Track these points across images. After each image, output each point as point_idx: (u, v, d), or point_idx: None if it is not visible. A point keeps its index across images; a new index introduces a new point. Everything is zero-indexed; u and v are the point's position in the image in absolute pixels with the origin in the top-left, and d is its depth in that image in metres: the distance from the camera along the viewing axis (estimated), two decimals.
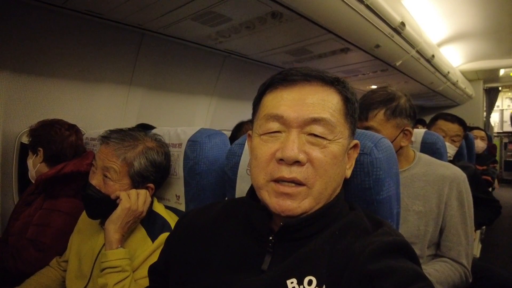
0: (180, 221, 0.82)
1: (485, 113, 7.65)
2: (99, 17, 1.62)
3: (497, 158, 6.58)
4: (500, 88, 7.71)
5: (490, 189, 3.78)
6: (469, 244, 1.24)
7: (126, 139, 1.09)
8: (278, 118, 0.62)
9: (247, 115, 3.17)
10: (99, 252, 1.06)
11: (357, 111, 0.71)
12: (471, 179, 2.01)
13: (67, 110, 1.79)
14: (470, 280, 1.23)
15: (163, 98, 2.24)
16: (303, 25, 1.82)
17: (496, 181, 4.02)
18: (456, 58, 5.39)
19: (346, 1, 1.70)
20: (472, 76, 6.35)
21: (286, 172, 0.59)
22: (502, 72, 6.11)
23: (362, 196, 0.77)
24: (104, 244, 1.02)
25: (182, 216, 0.83)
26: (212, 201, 1.16)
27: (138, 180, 1.08)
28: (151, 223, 1.08)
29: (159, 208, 1.13)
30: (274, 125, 0.63)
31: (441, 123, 2.02)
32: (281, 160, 0.60)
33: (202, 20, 1.68)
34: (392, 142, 1.28)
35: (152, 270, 0.82)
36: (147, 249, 1.01)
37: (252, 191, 0.70)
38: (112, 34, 1.78)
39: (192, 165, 1.13)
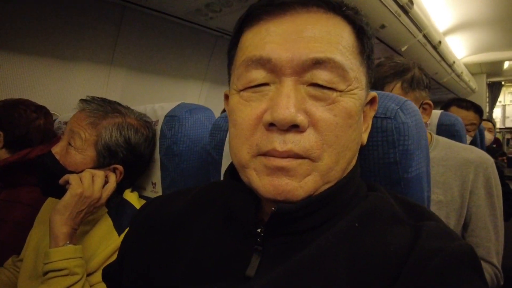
0: (141, 211, 0.61)
1: (487, 108, 7.50)
2: None
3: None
4: (503, 83, 7.55)
5: None
6: (499, 240, 1.06)
7: (105, 107, 0.91)
8: (264, 62, 0.42)
9: None
10: None
11: (373, 45, 0.50)
12: None
13: (37, 90, 1.59)
14: (502, 282, 1.04)
15: (149, 81, 2.04)
16: None
17: None
18: (460, 49, 5.23)
19: None
20: (475, 69, 6.20)
21: (279, 142, 0.40)
22: (506, 64, 5.97)
23: (386, 173, 0.57)
24: None
25: (144, 205, 0.62)
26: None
27: (104, 155, 0.88)
28: (119, 213, 0.89)
29: (131, 196, 0.94)
30: (259, 74, 0.42)
31: (455, 110, 1.83)
32: (271, 125, 0.40)
33: None
34: None
35: (106, 274, 0.62)
36: (110, 244, 0.81)
37: (232, 169, 0.50)
38: (90, 7, 1.58)
39: (169, 145, 0.94)
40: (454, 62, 3.87)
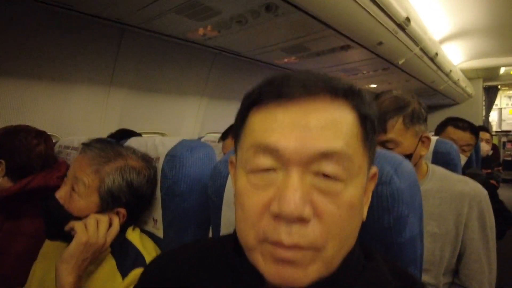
0: (148, 272, 0.63)
1: (484, 112, 7.55)
2: (70, 9, 1.43)
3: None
4: (499, 87, 7.60)
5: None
6: (492, 272, 1.09)
7: (106, 151, 0.92)
8: (271, 150, 0.43)
9: None
10: None
11: (375, 128, 0.52)
12: (483, 187, 1.88)
13: (38, 113, 1.60)
14: None
15: (148, 99, 2.06)
16: (300, 19, 1.65)
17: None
18: (457, 56, 5.26)
19: None
20: (472, 75, 6.23)
21: (285, 234, 0.41)
22: (502, 70, 6.01)
23: (380, 237, 0.60)
24: None
25: (151, 266, 0.64)
26: (194, 228, 1.00)
27: (107, 200, 0.89)
28: (123, 253, 0.90)
29: (133, 236, 0.95)
30: (266, 160, 0.44)
31: (451, 131, 1.84)
32: (278, 216, 0.42)
33: (187, 13, 1.50)
34: (413, 153, 1.12)
35: None
36: (115, 287, 0.83)
37: (236, 239, 0.51)
38: (89, 29, 1.60)
39: (170, 185, 0.96)
40: (450, 70, 3.91)
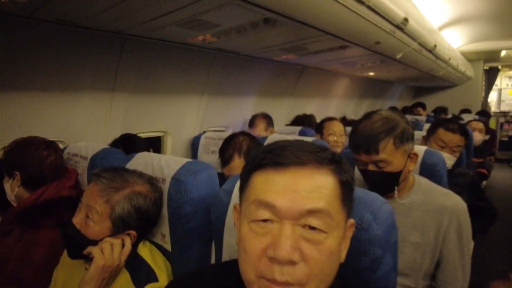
0: None
1: (483, 93, 7.56)
2: (75, 25, 1.47)
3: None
4: (499, 68, 7.56)
5: (484, 182, 3.78)
6: (465, 278, 1.21)
7: (115, 180, 1.02)
8: (270, 207, 0.56)
9: (240, 111, 3.06)
10: None
11: (353, 190, 0.65)
12: (469, 186, 1.98)
13: (47, 122, 1.67)
14: None
15: (150, 100, 2.11)
16: (298, 27, 1.69)
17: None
18: (457, 39, 5.22)
19: (344, 3, 1.55)
20: (472, 57, 6.20)
21: (278, 273, 0.53)
22: (503, 53, 5.96)
23: (357, 275, 0.70)
24: None
25: (170, 284, 0.78)
26: (199, 245, 1.10)
27: (119, 225, 1.01)
28: (136, 268, 1.02)
29: (144, 251, 1.06)
30: (265, 213, 0.57)
31: (442, 133, 1.92)
32: (273, 258, 0.54)
33: (188, 26, 1.54)
34: (402, 170, 1.20)
35: None
36: None
37: (239, 275, 0.63)
38: (91, 40, 1.64)
39: (176, 207, 1.06)
40: (450, 58, 3.91)
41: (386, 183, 1.22)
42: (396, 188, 1.23)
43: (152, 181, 1.10)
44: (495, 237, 3.50)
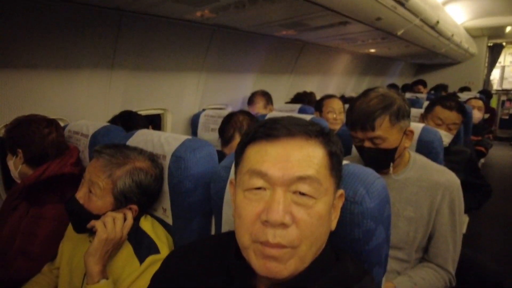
0: (166, 262, 0.80)
1: (486, 70, 7.47)
2: (72, 1, 1.45)
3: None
4: (504, 44, 7.43)
5: (481, 160, 3.81)
6: (456, 251, 1.25)
7: (116, 156, 1.05)
8: (262, 175, 0.60)
9: (240, 88, 3.05)
10: None
11: (341, 163, 0.68)
12: (466, 164, 2.01)
13: (47, 100, 1.68)
14: (454, 284, 1.26)
15: (149, 78, 2.11)
16: (298, 3, 1.66)
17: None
18: (461, 15, 5.11)
19: None
20: (476, 33, 6.10)
21: (271, 236, 0.57)
22: (508, 29, 5.85)
23: (350, 246, 0.74)
24: None
25: (169, 256, 0.82)
26: (199, 218, 1.14)
27: (121, 200, 1.04)
28: (138, 241, 1.06)
29: (145, 225, 1.10)
30: (258, 182, 0.60)
31: (439, 110, 1.93)
32: (266, 222, 0.57)
33: (186, 1, 1.52)
34: (397, 146, 1.23)
35: None
36: (134, 271, 0.99)
37: (236, 248, 0.67)
38: (89, 17, 1.61)
39: (176, 183, 1.08)
40: (453, 34, 3.84)
41: (382, 159, 1.24)
42: (391, 164, 1.25)
43: (152, 158, 1.12)
44: (490, 214, 3.57)
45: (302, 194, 0.58)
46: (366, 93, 1.26)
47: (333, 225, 0.67)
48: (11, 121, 1.45)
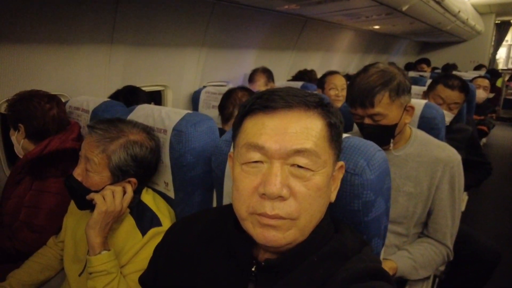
0: (168, 233, 0.81)
1: (492, 49, 7.33)
2: None
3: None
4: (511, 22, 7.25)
5: (483, 139, 3.80)
6: (454, 226, 1.27)
7: (110, 130, 1.04)
8: (259, 148, 0.58)
9: (241, 65, 3.00)
10: None
11: (341, 135, 0.67)
12: (467, 142, 2.00)
13: (47, 76, 1.66)
14: (451, 258, 1.28)
15: (149, 54, 2.07)
16: None
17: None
18: None
19: None
20: (484, 10, 5.94)
21: (269, 208, 0.57)
22: None
23: (350, 217, 0.74)
24: None
25: (170, 228, 0.83)
26: (201, 191, 1.15)
27: (117, 174, 1.04)
28: (140, 214, 1.07)
29: (147, 198, 1.11)
30: (255, 155, 0.59)
31: (441, 89, 1.89)
32: (263, 194, 0.57)
33: None
34: (398, 123, 1.22)
35: (143, 281, 0.83)
36: (136, 243, 1.01)
37: (235, 219, 0.67)
38: None
39: (178, 157, 1.09)
40: (459, 11, 3.74)
41: (382, 136, 1.23)
42: (391, 140, 1.25)
43: (147, 130, 1.11)
44: (490, 193, 3.60)
45: (300, 167, 0.58)
46: (366, 69, 1.24)
47: (333, 197, 0.66)
48: (13, 96, 1.44)
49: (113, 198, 0.99)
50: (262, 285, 0.62)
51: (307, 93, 0.62)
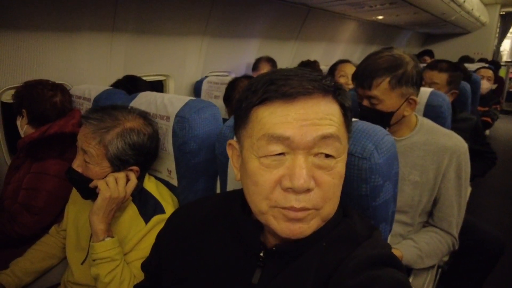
0: (171, 219, 0.79)
1: (496, 41, 7.25)
2: None
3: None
4: None
5: (487, 131, 3.77)
6: (460, 215, 1.26)
7: (104, 120, 0.99)
8: (283, 139, 0.54)
9: (243, 54, 2.97)
10: None
11: (352, 118, 0.65)
12: (472, 131, 1.98)
13: (48, 65, 1.65)
14: (457, 247, 1.27)
15: (151, 42, 2.05)
16: None
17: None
18: None
19: None
20: (489, 0, 5.84)
21: (295, 201, 0.54)
22: None
23: (358, 201, 0.73)
24: None
25: (173, 213, 0.81)
26: (205, 178, 1.14)
27: (117, 163, 1.01)
28: (142, 202, 1.06)
29: (150, 186, 1.10)
30: (278, 147, 0.55)
31: (425, 71, 1.88)
32: (289, 188, 0.54)
33: None
34: (395, 112, 1.20)
35: (146, 267, 0.82)
36: (140, 231, 1.01)
37: (243, 201, 0.66)
38: None
39: (181, 144, 1.07)
40: (464, 1, 3.69)
41: (376, 121, 1.21)
42: (386, 129, 1.23)
43: (144, 115, 1.08)
44: (493, 186, 3.59)
45: (324, 155, 0.56)
46: (381, 51, 1.23)
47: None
48: (21, 84, 1.47)
49: (116, 184, 0.98)
50: (270, 270, 0.61)
51: (321, 76, 0.59)
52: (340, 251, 0.59)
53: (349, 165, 0.69)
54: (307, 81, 0.56)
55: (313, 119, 0.55)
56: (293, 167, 0.54)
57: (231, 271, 0.63)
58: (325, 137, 0.55)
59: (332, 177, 0.56)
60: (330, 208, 0.58)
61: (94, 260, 0.94)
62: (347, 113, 0.61)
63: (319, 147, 0.55)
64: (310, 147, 0.55)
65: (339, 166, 0.57)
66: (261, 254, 0.62)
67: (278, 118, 0.55)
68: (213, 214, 0.73)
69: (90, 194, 1.02)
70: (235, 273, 0.63)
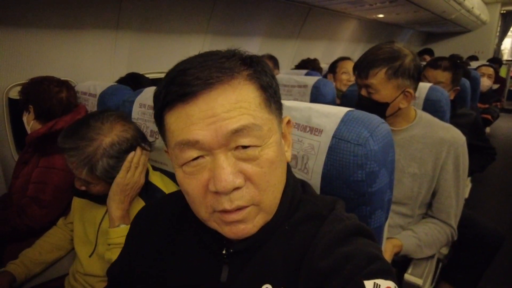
0: (136, 222, 0.76)
1: (497, 39, 7.25)
2: None
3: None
4: None
5: (487, 129, 3.78)
6: (458, 206, 1.28)
7: (81, 147, 0.95)
8: (193, 144, 0.50)
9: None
10: (102, 219, 1.10)
11: (278, 91, 0.59)
12: (471, 127, 2.01)
13: (53, 62, 1.69)
14: (456, 238, 1.30)
15: (154, 40, 2.09)
16: None
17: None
18: None
19: None
20: None
21: (227, 203, 0.50)
22: None
23: (354, 187, 0.75)
24: (106, 212, 1.06)
25: (137, 215, 0.77)
26: None
27: (111, 177, 0.99)
28: (149, 195, 1.09)
29: (155, 179, 1.13)
30: (192, 152, 0.51)
31: (427, 70, 1.88)
32: (216, 192, 0.50)
33: None
34: (390, 103, 1.23)
35: (111, 272, 0.79)
36: None
37: None
38: None
39: None
40: None
41: (372, 111, 1.24)
42: None
43: (120, 115, 1.04)
44: (493, 183, 3.61)
45: (244, 147, 0.50)
46: (383, 43, 1.26)
47: (288, 156, 0.61)
48: (28, 80, 1.51)
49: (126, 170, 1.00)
50: (236, 266, 0.58)
51: (224, 57, 0.52)
52: (306, 230, 0.57)
53: (344, 151, 0.72)
54: (208, 70, 0.50)
55: (220, 113, 0.49)
56: (214, 168, 0.50)
57: (199, 272, 0.61)
58: (237, 131, 0.49)
59: (261, 166, 0.51)
60: (270, 199, 0.54)
61: (109, 245, 0.98)
62: (266, 90, 0.54)
63: (235, 141, 0.50)
64: (224, 144, 0.50)
65: (266, 152, 0.52)
66: (224, 252, 0.59)
67: (183, 122, 0.50)
68: (177, 215, 0.69)
69: (102, 199, 1.04)
70: (203, 273, 0.60)
